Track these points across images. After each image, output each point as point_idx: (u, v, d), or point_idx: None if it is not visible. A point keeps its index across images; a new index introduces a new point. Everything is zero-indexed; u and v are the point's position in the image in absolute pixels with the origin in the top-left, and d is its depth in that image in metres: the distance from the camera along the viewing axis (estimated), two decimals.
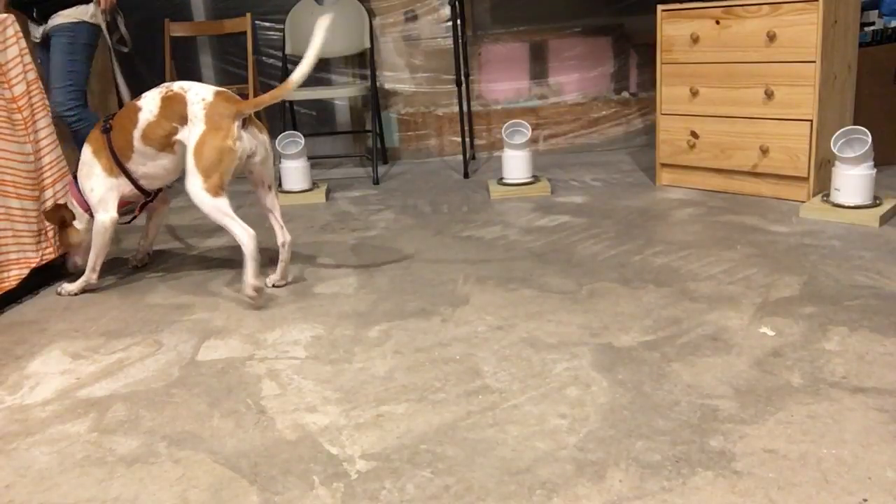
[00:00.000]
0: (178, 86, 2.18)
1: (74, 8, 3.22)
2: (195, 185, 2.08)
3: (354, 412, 1.53)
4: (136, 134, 2.19)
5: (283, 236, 2.27)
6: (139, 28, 3.49)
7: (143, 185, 2.31)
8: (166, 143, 2.18)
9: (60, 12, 3.21)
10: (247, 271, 2.11)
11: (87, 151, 2.31)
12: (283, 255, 2.28)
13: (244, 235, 2.11)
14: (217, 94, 2.14)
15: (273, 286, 2.31)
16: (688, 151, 3.08)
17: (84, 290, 2.38)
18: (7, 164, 2.32)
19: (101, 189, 2.28)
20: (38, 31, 3.31)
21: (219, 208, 2.10)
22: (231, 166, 2.10)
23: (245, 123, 2.14)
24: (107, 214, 2.29)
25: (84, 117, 3.19)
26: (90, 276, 2.36)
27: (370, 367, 1.72)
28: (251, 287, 2.11)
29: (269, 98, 2.16)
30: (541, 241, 2.56)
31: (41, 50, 3.32)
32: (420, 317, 1.99)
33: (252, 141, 2.16)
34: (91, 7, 3.27)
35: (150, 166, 2.25)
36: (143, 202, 2.41)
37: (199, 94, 2.13)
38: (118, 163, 2.26)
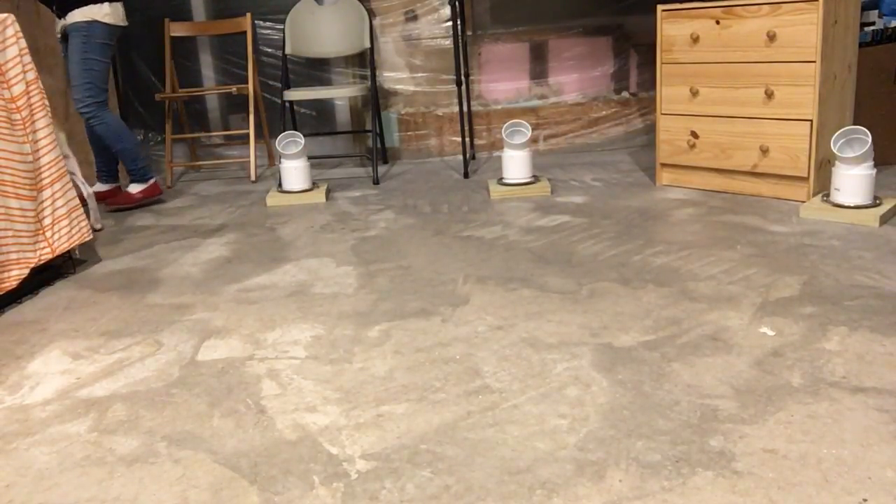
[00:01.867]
0: None
1: (88, 7, 3.26)
2: None
3: (354, 412, 1.53)
4: None
5: (86, 191, 2.88)
6: (139, 28, 3.48)
7: None
8: None
9: (74, 11, 3.25)
10: None
11: None
12: (92, 203, 2.96)
13: None
14: None
15: (94, 230, 2.95)
16: (688, 151, 3.08)
17: None
18: (6, 164, 2.32)
19: None
20: (59, 26, 3.36)
21: None
22: None
23: None
24: None
25: (99, 115, 3.26)
26: None
27: (370, 367, 1.72)
28: None
29: None
30: (541, 241, 2.56)
31: (64, 44, 3.39)
32: (420, 317, 1.99)
33: None
34: (106, 6, 3.30)
35: None
36: None
37: None
38: None
